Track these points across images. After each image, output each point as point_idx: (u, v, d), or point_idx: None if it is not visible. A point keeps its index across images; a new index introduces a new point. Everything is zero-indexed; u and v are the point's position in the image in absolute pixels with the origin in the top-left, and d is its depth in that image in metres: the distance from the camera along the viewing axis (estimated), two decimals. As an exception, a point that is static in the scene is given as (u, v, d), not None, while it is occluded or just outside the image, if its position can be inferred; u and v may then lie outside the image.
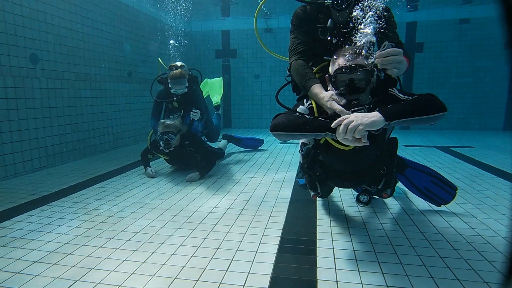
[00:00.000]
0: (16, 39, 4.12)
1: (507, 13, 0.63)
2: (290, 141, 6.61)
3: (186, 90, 4.17)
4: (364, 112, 1.72)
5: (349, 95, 1.81)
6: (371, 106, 1.83)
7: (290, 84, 2.44)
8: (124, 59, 6.34)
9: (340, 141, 1.69)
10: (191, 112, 4.12)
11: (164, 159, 4.21)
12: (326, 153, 2.12)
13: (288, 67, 2.32)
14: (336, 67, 1.86)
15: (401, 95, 1.87)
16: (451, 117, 8.27)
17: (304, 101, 2.08)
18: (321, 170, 2.19)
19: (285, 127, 1.85)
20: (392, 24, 2.12)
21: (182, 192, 3.37)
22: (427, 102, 1.71)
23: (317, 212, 2.79)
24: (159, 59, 5.15)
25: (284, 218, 2.67)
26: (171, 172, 4.23)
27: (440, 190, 2.65)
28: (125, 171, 4.26)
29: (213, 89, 5.91)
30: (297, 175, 3.91)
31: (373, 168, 2.12)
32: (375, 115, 1.62)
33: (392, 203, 2.97)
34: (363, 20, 1.88)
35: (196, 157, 4.04)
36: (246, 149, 5.72)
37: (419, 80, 8.27)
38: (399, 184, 3.00)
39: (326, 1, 2.09)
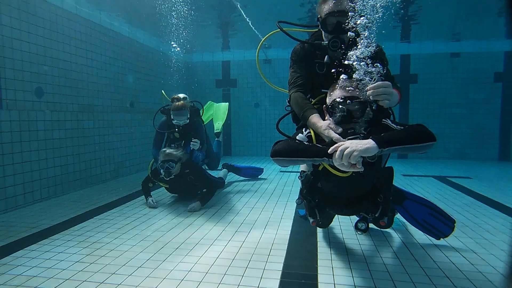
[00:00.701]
0: (23, 74, 4.26)
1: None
2: (290, 170, 6.67)
3: (188, 121, 4.28)
4: (359, 140, 1.83)
5: (345, 125, 1.93)
6: (365, 135, 1.93)
7: (290, 114, 2.55)
8: (126, 90, 6.50)
9: (337, 166, 1.78)
10: (191, 142, 4.20)
11: (165, 187, 4.24)
12: (325, 180, 2.19)
13: (288, 99, 2.44)
14: (333, 98, 1.98)
15: (394, 125, 1.99)
16: (448, 147, 8.39)
17: (303, 130, 2.19)
18: (320, 197, 2.26)
19: (285, 152, 1.97)
20: (383, 60, 2.26)
21: (183, 224, 3.39)
22: (417, 131, 1.82)
23: (318, 245, 2.81)
24: (162, 91, 5.30)
25: (285, 251, 2.69)
26: (172, 202, 4.24)
27: (438, 223, 2.69)
28: (126, 202, 4.28)
29: (217, 113, 6.01)
30: (297, 205, 3.94)
31: (370, 196, 2.18)
32: (369, 142, 1.72)
33: (392, 236, 2.99)
34: (357, 57, 2.02)
35: (196, 185, 4.09)
36: (246, 178, 5.76)
37: (415, 111, 8.45)
38: (399, 216, 3.04)
39: (322, 42, 2.25)
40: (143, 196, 4.21)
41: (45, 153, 4.43)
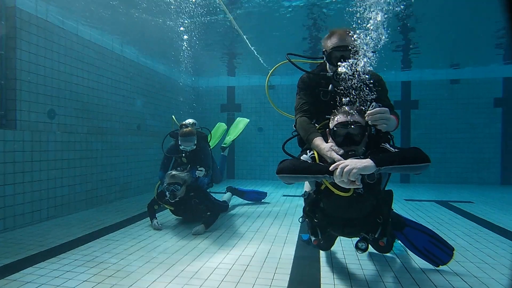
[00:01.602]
0: (37, 97, 4.45)
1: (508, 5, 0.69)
2: (292, 194, 6.72)
3: (195, 147, 4.40)
4: (359, 159, 1.96)
5: (346, 147, 2.09)
6: (365, 156, 2.05)
7: (297, 138, 2.70)
8: (134, 113, 6.69)
9: (337, 183, 1.93)
10: (197, 171, 4.30)
11: (170, 209, 4.30)
12: (327, 199, 2.29)
13: (294, 124, 2.59)
14: (335, 122, 2.15)
15: (392, 149, 2.14)
16: (449, 172, 8.45)
17: (307, 152, 2.32)
18: (322, 216, 2.35)
19: (290, 170, 2.12)
20: (384, 89, 2.43)
21: (187, 247, 3.44)
22: (412, 153, 1.99)
23: (321, 270, 2.84)
24: (173, 116, 5.43)
25: (289, 275, 2.72)
26: (177, 225, 4.30)
27: (438, 251, 2.74)
28: (131, 223, 4.34)
29: (235, 127, 6.15)
30: (300, 230, 3.98)
31: (370, 217, 2.27)
32: (367, 161, 1.89)
33: (394, 261, 3.03)
34: (359, 86, 2.23)
35: (201, 209, 4.15)
36: (249, 202, 5.81)
37: (417, 135, 8.57)
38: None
39: (327, 73, 2.42)
40: (148, 218, 4.28)
41: (54, 173, 4.55)
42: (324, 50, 2.42)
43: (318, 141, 2.22)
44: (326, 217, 2.35)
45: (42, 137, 4.39)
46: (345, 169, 1.86)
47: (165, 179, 4.07)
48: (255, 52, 6.71)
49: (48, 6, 4.57)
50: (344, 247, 3.39)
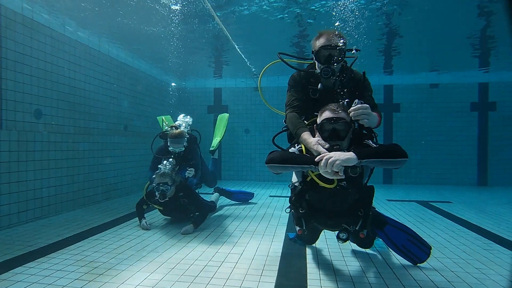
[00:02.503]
0: (23, 96, 4.41)
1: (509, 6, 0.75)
2: (279, 195, 6.84)
3: (184, 149, 4.44)
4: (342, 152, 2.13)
5: (332, 141, 2.24)
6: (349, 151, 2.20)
7: (287, 134, 2.83)
8: (121, 114, 6.67)
9: (322, 173, 2.09)
10: (187, 171, 4.35)
11: (159, 209, 4.34)
12: (312, 191, 2.43)
13: (285, 119, 2.72)
14: (322, 118, 2.29)
15: (374, 145, 2.31)
16: (430, 173, 8.76)
17: (295, 145, 2.45)
18: (306, 207, 2.50)
19: (278, 160, 2.27)
20: (368, 88, 2.62)
21: (177, 245, 3.49)
22: (392, 148, 2.16)
23: (308, 266, 2.96)
24: (163, 117, 5.41)
25: (276, 271, 2.82)
26: (165, 225, 4.34)
27: (416, 249, 2.89)
28: (120, 223, 4.35)
29: (218, 127, 6.06)
30: (287, 229, 4.09)
31: (352, 210, 2.42)
32: (350, 154, 2.06)
33: (377, 258, 3.18)
34: (345, 85, 2.47)
35: (189, 208, 4.21)
36: (237, 202, 5.89)
37: (399, 137, 8.84)
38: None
39: (315, 71, 2.59)
40: (136, 218, 4.30)
41: (40, 173, 4.51)
42: (313, 50, 2.57)
43: (306, 135, 2.35)
44: (310, 208, 2.50)
45: (28, 137, 4.36)
46: (329, 160, 2.02)
47: (154, 178, 4.09)
48: (242, 56, 6.81)
49: (34, 5, 4.54)
50: (329, 245, 3.52)
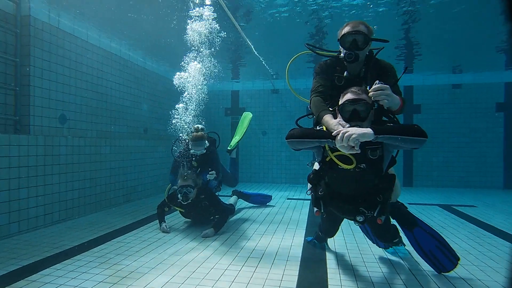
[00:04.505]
0: (49, 102, 4.57)
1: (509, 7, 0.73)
2: (297, 197, 6.81)
3: (204, 151, 4.50)
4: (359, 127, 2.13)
5: (353, 122, 2.24)
6: None
7: (313, 120, 2.83)
8: (141, 118, 6.81)
9: (338, 147, 2.13)
10: (208, 173, 4.40)
11: (180, 211, 4.39)
12: (331, 171, 2.45)
13: (309, 105, 2.74)
14: (344, 100, 2.30)
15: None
16: (452, 176, 8.52)
17: (317, 127, 2.51)
18: (325, 189, 2.52)
19: (298, 135, 2.34)
20: (393, 75, 2.61)
21: (197, 249, 3.53)
22: (411, 127, 2.15)
23: (328, 271, 2.93)
24: (182, 121, 5.48)
25: (297, 277, 2.81)
26: (185, 228, 4.39)
27: (443, 257, 2.80)
28: (140, 226, 4.43)
29: (240, 127, 6.00)
30: (305, 234, 4.06)
31: (371, 195, 2.41)
32: (367, 129, 2.08)
33: (400, 264, 3.11)
34: (370, 72, 2.52)
35: (210, 211, 4.25)
36: (255, 205, 5.90)
37: (419, 139, 8.63)
38: (407, 245, 3.19)
39: (340, 55, 2.63)
40: (156, 220, 4.37)
41: (65, 177, 4.65)
42: (338, 38, 2.60)
43: (328, 117, 2.38)
44: (329, 190, 2.51)
45: (54, 141, 4.50)
46: (346, 134, 2.05)
47: (177, 180, 4.15)
48: (260, 58, 6.82)
49: (60, 13, 4.70)
50: (349, 249, 3.48)
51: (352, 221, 2.54)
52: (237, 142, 5.80)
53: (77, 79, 5.05)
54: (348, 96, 2.30)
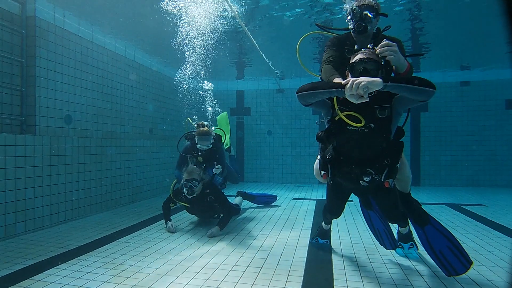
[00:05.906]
0: (55, 103, 4.59)
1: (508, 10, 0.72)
2: (302, 197, 6.76)
3: (211, 146, 4.52)
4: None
5: None
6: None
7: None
8: (146, 118, 6.82)
9: (348, 97, 2.17)
10: (214, 168, 4.42)
11: (185, 207, 4.38)
12: (339, 132, 2.44)
13: (320, 74, 2.77)
14: (353, 60, 2.33)
15: None
16: (461, 174, 8.40)
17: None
18: (333, 153, 2.52)
19: (308, 87, 2.37)
20: (401, 48, 2.58)
21: (202, 248, 3.51)
22: (420, 78, 2.16)
23: (334, 273, 2.89)
24: (188, 118, 5.51)
25: (302, 278, 2.78)
26: (191, 228, 4.38)
27: (454, 259, 2.65)
28: (146, 226, 4.43)
29: (222, 126, 6.18)
30: (310, 236, 4.00)
31: (378, 158, 2.41)
32: (376, 78, 2.11)
33: (407, 265, 3.06)
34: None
35: (215, 206, 4.24)
36: (260, 205, 5.87)
37: (427, 138, 8.54)
38: (415, 247, 3.13)
39: (349, 27, 2.69)
40: (162, 220, 4.36)
41: (71, 177, 4.67)
42: (347, 13, 2.66)
43: (337, 79, 2.41)
44: (337, 153, 2.51)
45: (60, 141, 4.52)
46: (355, 82, 2.09)
47: (183, 174, 4.14)
48: (264, 56, 6.79)
49: (65, 14, 4.72)
50: (356, 250, 3.43)
51: (358, 197, 2.55)
52: (229, 138, 5.92)
53: (83, 79, 5.07)
54: (358, 56, 2.33)
